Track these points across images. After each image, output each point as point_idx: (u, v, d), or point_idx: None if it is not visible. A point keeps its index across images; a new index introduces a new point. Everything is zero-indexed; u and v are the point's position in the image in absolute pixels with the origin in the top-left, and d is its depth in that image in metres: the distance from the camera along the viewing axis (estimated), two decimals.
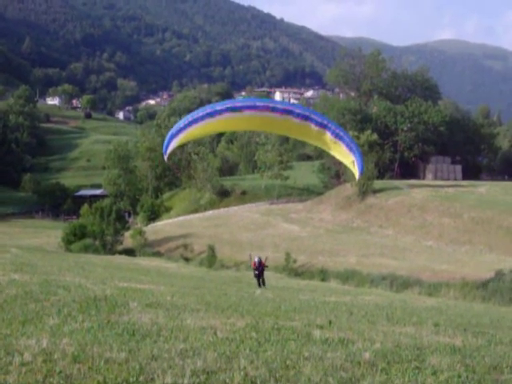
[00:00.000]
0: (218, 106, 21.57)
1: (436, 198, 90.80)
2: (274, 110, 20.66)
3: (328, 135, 20.80)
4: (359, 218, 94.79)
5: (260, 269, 36.27)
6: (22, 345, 10.10)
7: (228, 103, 22.56)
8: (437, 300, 41.73)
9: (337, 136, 20.82)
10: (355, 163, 21.23)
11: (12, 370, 8.72)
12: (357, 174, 21.75)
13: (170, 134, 22.65)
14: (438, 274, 55.56)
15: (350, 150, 21.02)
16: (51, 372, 8.68)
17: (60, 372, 8.68)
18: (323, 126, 20.75)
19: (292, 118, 20.47)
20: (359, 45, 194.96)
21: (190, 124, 21.52)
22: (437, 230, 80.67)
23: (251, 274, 42.29)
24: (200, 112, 21.51)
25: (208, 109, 21.60)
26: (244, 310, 18.36)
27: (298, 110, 21.10)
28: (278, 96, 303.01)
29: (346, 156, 21.36)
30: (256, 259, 36.34)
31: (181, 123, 22.11)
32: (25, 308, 14.64)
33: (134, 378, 8.52)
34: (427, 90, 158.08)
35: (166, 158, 24.12)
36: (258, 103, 21.81)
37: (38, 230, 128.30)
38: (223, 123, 21.79)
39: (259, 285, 35.82)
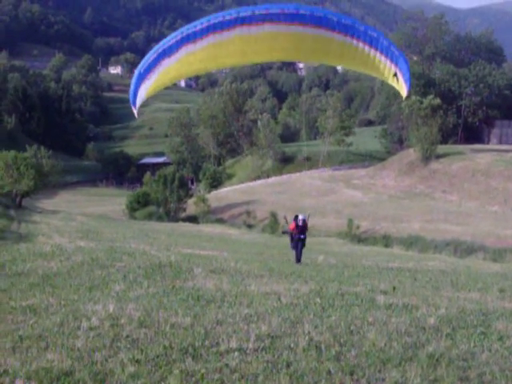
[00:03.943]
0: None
1: (501, 163, 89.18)
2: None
3: (354, 44, 14.22)
4: (422, 183, 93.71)
5: (303, 232, 26.46)
6: (89, 310, 10.32)
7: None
8: (502, 266, 41.26)
9: (369, 42, 14.30)
10: (398, 75, 14.70)
11: (80, 334, 8.92)
12: (403, 90, 14.99)
13: (137, 72, 15.27)
14: (503, 239, 54.77)
15: (391, 58, 14.48)
16: (118, 336, 8.85)
17: (127, 336, 8.85)
18: (345, 31, 14.07)
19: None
20: (421, 8, 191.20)
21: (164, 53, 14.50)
22: (502, 195, 79.37)
23: (313, 240, 42.00)
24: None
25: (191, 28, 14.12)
26: (307, 275, 18.41)
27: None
28: None
29: (384, 69, 14.74)
30: (301, 217, 26.52)
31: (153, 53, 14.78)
32: (91, 274, 14.93)
33: (200, 343, 8.63)
34: (491, 53, 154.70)
35: (135, 111, 16.29)
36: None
37: (103, 198, 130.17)
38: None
39: (297, 257, 26.73)
